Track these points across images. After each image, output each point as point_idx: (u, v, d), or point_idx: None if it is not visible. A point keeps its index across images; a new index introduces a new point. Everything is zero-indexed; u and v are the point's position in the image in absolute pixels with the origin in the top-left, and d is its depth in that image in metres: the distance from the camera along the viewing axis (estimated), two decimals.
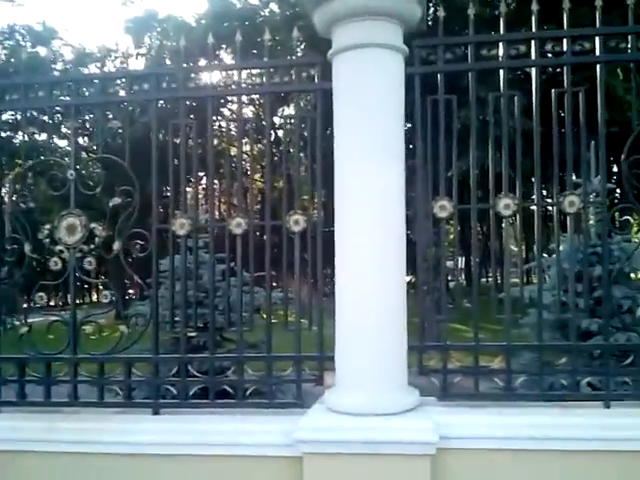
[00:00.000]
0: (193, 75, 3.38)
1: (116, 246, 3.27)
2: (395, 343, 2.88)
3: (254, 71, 3.53)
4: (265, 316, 3.24)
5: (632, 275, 6.36)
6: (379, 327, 2.84)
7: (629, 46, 2.97)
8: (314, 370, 3.15)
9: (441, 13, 3.10)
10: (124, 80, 3.36)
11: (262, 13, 28.43)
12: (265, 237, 3.27)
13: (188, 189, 3.55)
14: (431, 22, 3.18)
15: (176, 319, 3.30)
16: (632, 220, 3.26)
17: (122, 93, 3.37)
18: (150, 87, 3.31)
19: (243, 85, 3.35)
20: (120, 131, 3.40)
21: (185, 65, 3.41)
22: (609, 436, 2.71)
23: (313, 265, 3.20)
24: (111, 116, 3.84)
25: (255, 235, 3.26)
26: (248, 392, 3.21)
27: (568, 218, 3.00)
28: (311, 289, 3.24)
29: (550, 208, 3.09)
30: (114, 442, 3.02)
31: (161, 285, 4.56)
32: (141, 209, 3.27)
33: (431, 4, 13.69)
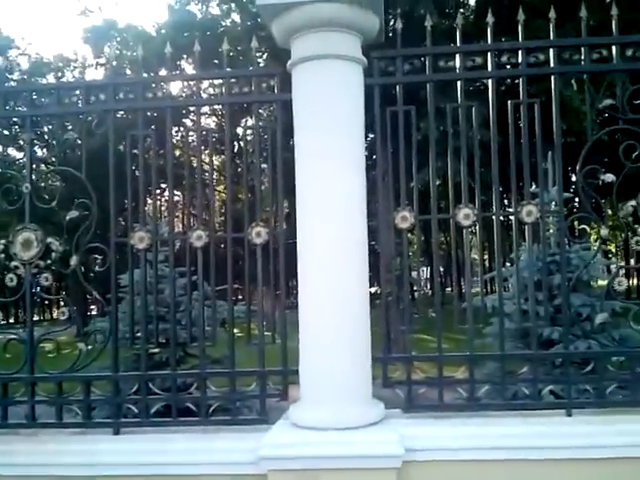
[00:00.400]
0: (152, 85, 3.32)
1: (73, 261, 3.20)
2: (359, 355, 2.87)
3: (215, 81, 3.50)
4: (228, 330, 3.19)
5: (592, 283, 6.50)
6: (343, 339, 2.82)
7: (582, 58, 3.04)
8: (279, 385, 3.12)
9: (399, 25, 3.12)
10: (81, 90, 3.28)
11: (223, 23, 28.38)
12: (227, 249, 3.22)
13: (148, 201, 3.49)
14: (391, 33, 3.19)
15: (137, 335, 3.23)
16: (589, 229, 3.31)
17: (80, 104, 3.29)
18: (107, 97, 3.24)
19: (204, 95, 3.31)
20: (79, 142, 3.32)
21: (145, 75, 3.36)
22: (571, 444, 2.73)
23: (276, 277, 3.17)
24: (69, 127, 3.75)
25: (217, 247, 3.22)
26: (212, 409, 3.15)
27: (527, 227, 3.03)
28: (274, 302, 3.20)
29: (510, 217, 3.11)
30: (74, 464, 2.93)
31: (121, 300, 4.47)
32: (100, 222, 3.20)
33: (390, 16, 13.90)
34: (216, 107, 19.31)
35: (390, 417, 2.95)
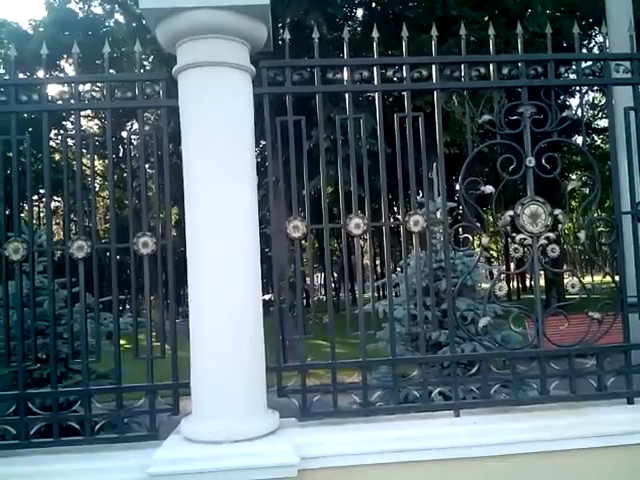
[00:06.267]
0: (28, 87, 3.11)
1: None
2: (252, 365, 2.83)
3: (98, 84, 3.33)
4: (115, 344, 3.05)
5: (477, 287, 6.87)
6: (235, 349, 2.78)
7: (462, 74, 3.18)
8: (170, 398, 3.02)
9: (287, 35, 3.13)
10: None
11: (107, 23, 27.47)
12: (112, 259, 3.08)
13: (24, 209, 3.27)
14: (281, 42, 3.18)
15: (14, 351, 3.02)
16: (471, 237, 3.47)
17: None
18: None
19: (86, 101, 3.14)
20: None
21: (21, 76, 3.14)
22: (460, 444, 2.83)
23: (165, 286, 3.07)
24: None
25: (102, 256, 3.08)
26: (98, 427, 3.01)
27: (414, 236, 3.13)
28: (164, 312, 3.10)
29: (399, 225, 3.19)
30: None
31: None
32: None
33: (280, 24, 13.99)
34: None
35: (285, 426, 2.94)
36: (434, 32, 3.19)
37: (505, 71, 3.20)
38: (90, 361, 3.07)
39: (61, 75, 23.38)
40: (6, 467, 2.79)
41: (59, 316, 5.81)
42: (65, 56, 25.65)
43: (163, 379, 3.03)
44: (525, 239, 3.10)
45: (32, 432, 2.97)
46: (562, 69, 3.21)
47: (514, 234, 3.11)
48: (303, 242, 3.11)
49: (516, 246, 3.11)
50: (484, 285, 6.97)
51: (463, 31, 3.22)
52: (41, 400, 3.30)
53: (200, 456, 2.63)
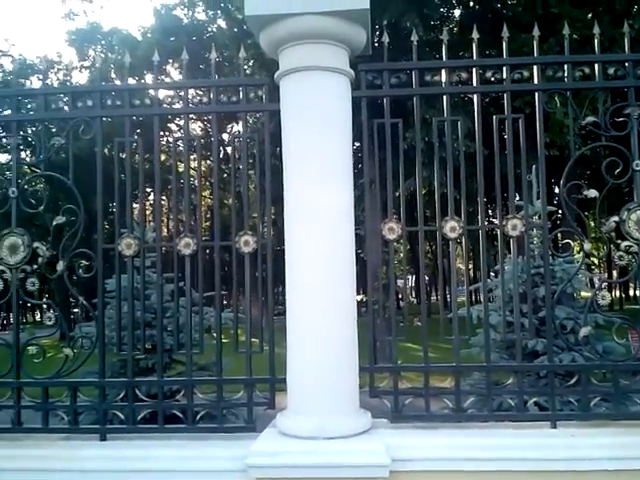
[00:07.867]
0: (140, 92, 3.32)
1: (60, 266, 3.19)
2: (346, 364, 2.89)
3: (202, 88, 3.49)
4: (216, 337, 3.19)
5: (576, 295, 6.57)
6: (330, 348, 2.84)
7: (565, 75, 3.08)
8: (266, 392, 3.12)
9: (386, 39, 3.15)
10: (67, 96, 3.28)
11: (209, 29, 28.53)
12: (215, 256, 3.23)
13: (135, 207, 3.49)
14: (377, 44, 3.21)
15: (123, 341, 3.23)
16: (572, 243, 3.35)
17: (66, 109, 3.28)
18: (94, 104, 3.24)
19: (190, 104, 3.31)
20: (64, 147, 3.30)
21: (131, 80, 3.35)
22: (556, 456, 2.75)
23: (264, 284, 3.18)
24: (55, 130, 3.73)
25: (205, 254, 3.23)
26: (199, 416, 3.15)
27: (512, 240, 3.07)
28: (262, 309, 3.21)
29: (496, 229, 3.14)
30: (59, 469, 2.91)
31: (107, 306, 4.45)
32: (87, 228, 3.20)
33: (376, 26, 14.00)
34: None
35: (377, 427, 2.97)
36: (536, 32, 3.11)
37: (611, 71, 3.07)
38: (194, 353, 3.23)
39: (167, 79, 24.61)
40: (117, 450, 2.99)
41: (165, 309, 6.10)
42: (171, 61, 26.87)
43: (259, 375, 3.13)
44: (631, 246, 2.97)
45: (139, 418, 3.15)
46: None
47: (619, 241, 2.99)
48: (396, 244, 3.13)
49: (621, 253, 2.98)
50: (584, 293, 6.68)
51: (566, 30, 3.13)
52: (146, 389, 3.50)
53: (295, 450, 2.71)
